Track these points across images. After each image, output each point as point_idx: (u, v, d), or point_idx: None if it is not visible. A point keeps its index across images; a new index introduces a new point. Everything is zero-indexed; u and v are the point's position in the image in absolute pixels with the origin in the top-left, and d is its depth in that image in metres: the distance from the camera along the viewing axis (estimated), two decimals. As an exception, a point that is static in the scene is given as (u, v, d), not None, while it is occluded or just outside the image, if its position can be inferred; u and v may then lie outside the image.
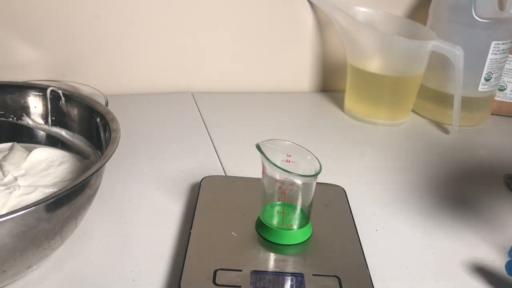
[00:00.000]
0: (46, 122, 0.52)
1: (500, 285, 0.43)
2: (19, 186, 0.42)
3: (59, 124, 0.52)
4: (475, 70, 0.72)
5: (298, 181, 0.42)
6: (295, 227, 0.43)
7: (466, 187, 0.58)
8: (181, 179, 0.55)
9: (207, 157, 0.61)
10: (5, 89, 0.51)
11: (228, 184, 0.53)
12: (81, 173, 0.45)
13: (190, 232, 0.44)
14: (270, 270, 0.40)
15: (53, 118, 0.52)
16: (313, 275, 0.40)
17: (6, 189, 0.42)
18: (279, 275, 0.40)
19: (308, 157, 0.43)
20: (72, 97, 0.51)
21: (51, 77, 0.73)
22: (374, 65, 0.71)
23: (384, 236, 0.48)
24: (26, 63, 0.73)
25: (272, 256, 0.42)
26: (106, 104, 0.59)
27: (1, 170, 0.45)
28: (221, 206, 0.48)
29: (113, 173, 0.54)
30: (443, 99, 0.74)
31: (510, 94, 0.78)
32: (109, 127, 0.45)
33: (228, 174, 0.57)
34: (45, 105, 0.52)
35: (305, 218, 0.44)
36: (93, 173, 0.37)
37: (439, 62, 0.71)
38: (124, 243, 0.45)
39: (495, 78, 0.73)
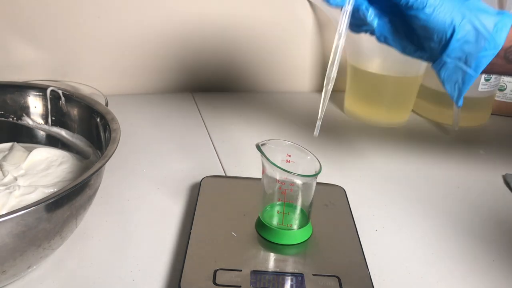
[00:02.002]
0: (46, 122, 0.52)
1: (500, 284, 0.43)
2: (19, 186, 0.42)
3: (59, 124, 0.52)
4: (475, 70, 0.71)
5: (298, 181, 0.42)
6: (295, 227, 0.43)
7: (466, 187, 0.58)
8: (181, 179, 0.55)
9: (207, 157, 0.61)
10: (5, 89, 0.51)
11: (228, 184, 0.53)
12: (81, 173, 0.45)
13: (190, 232, 0.44)
14: (270, 270, 0.40)
15: (53, 118, 0.52)
16: (313, 275, 0.40)
17: (6, 189, 0.42)
18: (279, 275, 0.40)
19: (308, 157, 0.43)
20: (72, 97, 0.51)
21: (51, 77, 0.73)
22: (374, 65, 0.71)
23: (384, 236, 0.48)
24: (26, 63, 0.73)
25: (272, 256, 0.42)
26: (106, 104, 0.59)
27: (1, 170, 0.45)
28: (221, 206, 0.48)
29: (113, 173, 0.54)
30: (443, 99, 0.74)
31: (510, 94, 0.78)
32: (109, 127, 0.45)
33: (228, 174, 0.57)
34: (45, 105, 0.52)
35: (305, 218, 0.44)
36: (93, 173, 0.37)
37: (439, 62, 0.71)
38: (124, 243, 0.45)
39: (495, 78, 0.73)
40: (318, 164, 0.42)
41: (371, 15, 0.43)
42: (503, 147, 0.71)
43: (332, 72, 0.44)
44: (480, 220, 0.52)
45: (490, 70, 0.43)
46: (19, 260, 0.35)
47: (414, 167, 0.62)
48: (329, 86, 0.44)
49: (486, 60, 0.42)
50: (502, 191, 0.58)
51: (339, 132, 0.71)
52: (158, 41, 0.77)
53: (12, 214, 0.31)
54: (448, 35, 0.41)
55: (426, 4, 0.40)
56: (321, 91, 0.44)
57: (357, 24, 0.45)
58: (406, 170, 0.61)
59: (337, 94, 0.82)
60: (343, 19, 0.43)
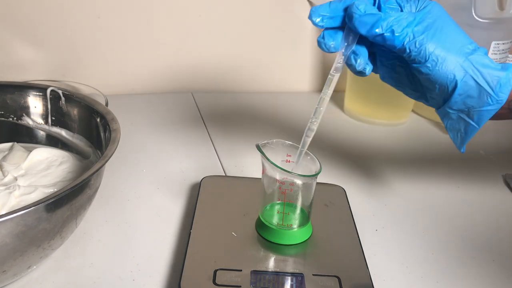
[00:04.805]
0: (46, 122, 0.52)
1: (500, 284, 0.43)
2: (19, 186, 0.42)
3: (59, 124, 0.52)
4: (475, 70, 0.71)
5: (298, 181, 0.42)
6: (295, 227, 0.43)
7: (466, 187, 0.58)
8: (181, 179, 0.55)
9: (207, 157, 0.61)
10: (5, 89, 0.51)
11: (228, 184, 0.53)
12: (81, 173, 0.45)
13: (190, 232, 0.44)
14: (270, 270, 0.40)
15: (53, 118, 0.52)
16: (313, 275, 0.40)
17: (6, 189, 0.42)
18: (279, 275, 0.40)
19: (308, 157, 0.43)
20: (72, 97, 0.51)
21: (51, 77, 0.73)
22: (374, 65, 0.71)
23: (384, 236, 0.48)
24: (26, 63, 0.73)
25: (272, 256, 0.42)
26: (106, 104, 0.59)
27: (1, 170, 0.45)
28: (221, 206, 0.48)
29: (113, 173, 0.54)
30: (443, 99, 0.74)
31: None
32: (109, 127, 0.45)
33: (228, 174, 0.57)
34: (45, 105, 0.52)
35: (305, 218, 0.44)
36: (93, 173, 0.37)
37: (439, 62, 0.71)
38: (124, 243, 0.45)
39: (495, 78, 0.73)
40: (318, 164, 0.42)
41: (360, 65, 0.41)
42: (503, 147, 0.71)
43: (315, 125, 0.42)
44: (480, 220, 0.52)
45: (492, 118, 0.42)
46: (19, 260, 0.35)
47: (414, 167, 0.62)
48: (309, 139, 0.42)
49: (489, 114, 0.41)
50: (502, 191, 0.58)
51: (339, 132, 0.71)
52: (158, 40, 0.77)
53: (12, 214, 0.32)
54: (450, 89, 0.40)
55: (428, 59, 0.39)
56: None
57: (354, 71, 0.42)
58: (406, 170, 0.61)
59: (337, 94, 0.82)
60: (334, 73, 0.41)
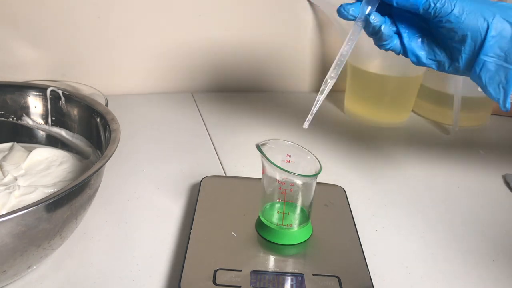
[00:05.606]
0: (46, 122, 0.52)
1: (500, 284, 0.43)
2: (19, 186, 0.42)
3: (59, 124, 0.52)
4: (475, 70, 0.71)
5: (298, 181, 0.42)
6: (295, 227, 0.43)
7: (466, 187, 0.58)
8: (181, 179, 0.55)
9: (207, 157, 0.61)
10: (5, 89, 0.51)
11: (228, 184, 0.53)
12: (81, 173, 0.45)
13: (190, 232, 0.44)
14: (270, 270, 0.40)
15: (53, 118, 0.52)
16: (313, 275, 0.40)
17: (6, 189, 0.42)
18: (279, 275, 0.40)
19: (308, 157, 0.43)
20: (72, 97, 0.51)
21: (51, 77, 0.73)
22: (374, 65, 0.71)
23: (384, 236, 0.48)
24: (26, 63, 0.73)
25: (272, 256, 0.42)
26: (106, 104, 0.59)
27: (1, 170, 0.45)
28: (221, 206, 0.48)
29: (113, 173, 0.54)
30: (443, 99, 0.74)
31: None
32: (109, 127, 0.45)
33: (228, 174, 0.57)
34: (45, 105, 0.52)
35: (305, 218, 0.44)
36: (93, 173, 0.37)
37: (439, 62, 0.71)
38: (124, 243, 0.45)
39: (495, 78, 0.73)
40: (318, 164, 0.42)
41: (375, 21, 0.42)
42: (503, 147, 0.71)
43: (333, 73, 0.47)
44: (480, 220, 0.52)
45: None
46: (19, 260, 0.35)
47: (414, 167, 0.62)
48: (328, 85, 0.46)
49: None
50: (502, 191, 0.58)
51: (339, 132, 0.71)
52: (158, 41, 0.77)
53: (12, 214, 0.31)
54: (483, 32, 0.40)
55: (453, 8, 0.40)
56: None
57: (378, 39, 0.45)
58: (406, 170, 0.61)
59: (337, 94, 0.82)
60: (354, 33, 0.44)
